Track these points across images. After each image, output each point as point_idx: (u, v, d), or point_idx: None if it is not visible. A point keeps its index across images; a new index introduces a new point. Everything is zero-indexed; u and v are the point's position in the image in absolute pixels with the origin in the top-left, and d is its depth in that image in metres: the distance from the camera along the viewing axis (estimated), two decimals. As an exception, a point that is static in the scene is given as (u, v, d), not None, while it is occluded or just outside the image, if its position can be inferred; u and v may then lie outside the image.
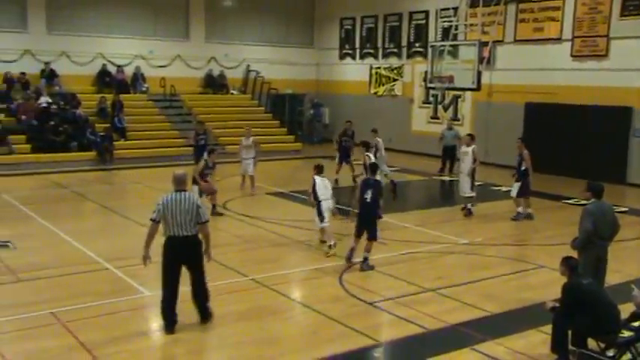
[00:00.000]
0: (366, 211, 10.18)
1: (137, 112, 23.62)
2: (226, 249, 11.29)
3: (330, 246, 11.01)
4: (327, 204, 11.31)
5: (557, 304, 6.88)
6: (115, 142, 21.52)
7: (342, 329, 7.82)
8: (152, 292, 8.99)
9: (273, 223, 13.26)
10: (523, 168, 14.08)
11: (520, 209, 14.11)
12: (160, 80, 24.70)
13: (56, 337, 7.45)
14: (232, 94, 27.13)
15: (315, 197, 11.34)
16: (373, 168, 10.63)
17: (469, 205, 14.50)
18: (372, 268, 10.18)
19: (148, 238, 7.63)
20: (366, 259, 10.17)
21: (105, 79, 24.35)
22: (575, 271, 6.84)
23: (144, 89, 24.98)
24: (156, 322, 8.19)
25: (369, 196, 10.08)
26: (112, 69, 24.63)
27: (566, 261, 6.94)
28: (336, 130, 28.47)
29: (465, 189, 14.48)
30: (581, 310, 6.57)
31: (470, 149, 14.46)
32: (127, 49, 24.96)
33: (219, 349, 7.55)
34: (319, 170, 11.73)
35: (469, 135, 15.37)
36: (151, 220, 7.59)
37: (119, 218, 13.85)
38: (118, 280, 9.54)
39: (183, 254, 7.58)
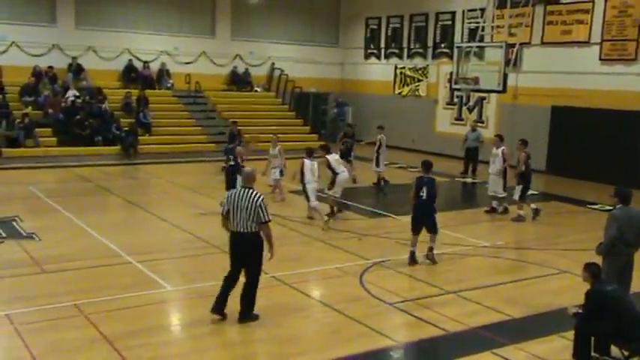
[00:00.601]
0: (422, 208, 10.51)
1: (162, 108, 23.84)
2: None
3: (325, 221, 12.60)
4: (311, 186, 12.85)
5: (580, 310, 6.79)
6: (139, 137, 21.73)
7: (361, 329, 7.82)
8: (174, 287, 9.09)
9: (294, 221, 13.28)
10: (522, 169, 14.08)
11: (522, 212, 14.04)
12: (185, 77, 24.91)
13: (79, 329, 7.55)
14: (256, 91, 27.23)
15: (302, 179, 12.83)
16: (427, 166, 10.66)
17: (495, 204, 14.65)
18: (435, 262, 10.58)
19: (225, 230, 7.87)
20: (431, 249, 10.67)
21: (131, 75, 24.60)
22: (598, 277, 6.75)
23: (169, 85, 25.20)
24: (176, 317, 8.27)
25: (424, 193, 10.38)
26: (138, 65, 24.88)
27: (589, 267, 6.85)
28: (359, 130, 28.62)
29: (498, 189, 14.55)
30: (604, 317, 6.48)
31: (499, 150, 14.52)
32: (152, 45, 25.20)
33: (239, 346, 7.58)
34: (309, 154, 13.09)
35: (497, 136, 15.29)
36: (221, 214, 7.81)
37: (142, 213, 13.99)
38: (140, 274, 9.62)
39: (239, 251, 7.69)
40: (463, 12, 23.54)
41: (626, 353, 6.58)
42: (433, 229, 10.62)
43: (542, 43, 21.07)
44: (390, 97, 27.05)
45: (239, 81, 26.90)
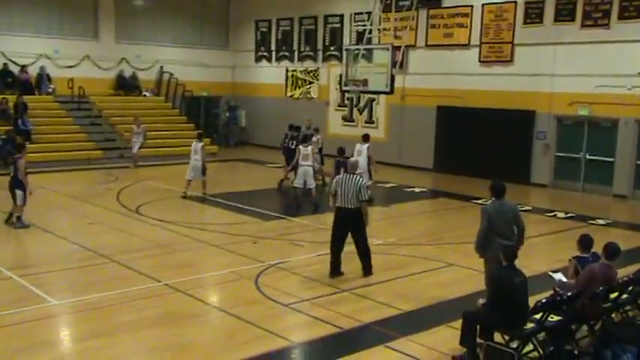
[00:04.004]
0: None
1: (43, 114, 22.58)
2: (138, 254, 11.02)
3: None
4: (303, 169, 15.31)
5: (486, 301, 7.06)
6: (19, 145, 20.48)
7: (258, 332, 7.78)
8: (60, 301, 8.64)
9: (187, 227, 13.02)
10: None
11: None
12: (68, 81, 23.73)
13: (-48, 352, 7.02)
14: (145, 96, 26.45)
15: (296, 164, 15.59)
16: (341, 150, 13.99)
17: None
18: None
19: (332, 205, 10.07)
20: None
21: (7, 80, 23.16)
22: (512, 261, 7.02)
23: (50, 90, 23.93)
24: (65, 332, 7.88)
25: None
26: (15, 69, 23.47)
27: (505, 250, 7.12)
28: (252, 133, 28.59)
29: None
30: (505, 304, 6.74)
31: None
32: (30, 48, 23.79)
33: (132, 356, 7.31)
34: (304, 140, 16.70)
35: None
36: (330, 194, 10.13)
37: (24, 225, 13.18)
38: (22, 289, 9.08)
39: (345, 222, 9.75)
40: (351, 15, 24.04)
41: (506, 338, 6.95)
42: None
43: (427, 46, 21.93)
44: (282, 100, 27.17)
45: (126, 85, 26.02)
